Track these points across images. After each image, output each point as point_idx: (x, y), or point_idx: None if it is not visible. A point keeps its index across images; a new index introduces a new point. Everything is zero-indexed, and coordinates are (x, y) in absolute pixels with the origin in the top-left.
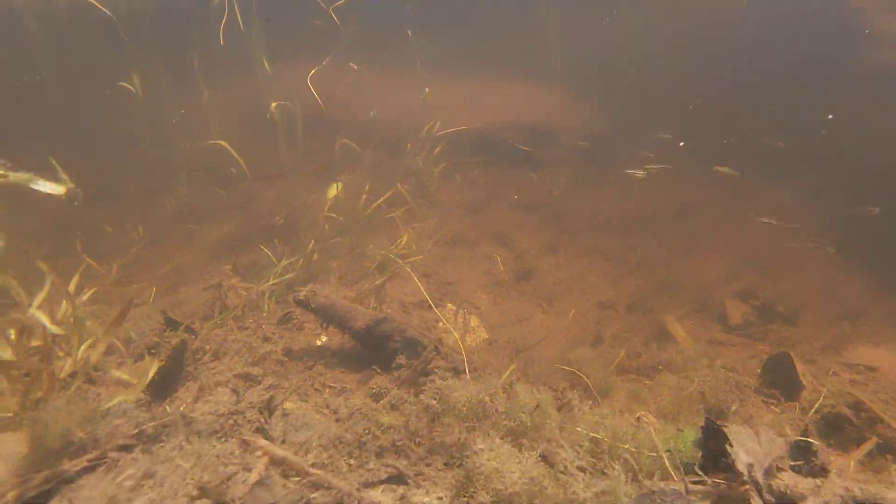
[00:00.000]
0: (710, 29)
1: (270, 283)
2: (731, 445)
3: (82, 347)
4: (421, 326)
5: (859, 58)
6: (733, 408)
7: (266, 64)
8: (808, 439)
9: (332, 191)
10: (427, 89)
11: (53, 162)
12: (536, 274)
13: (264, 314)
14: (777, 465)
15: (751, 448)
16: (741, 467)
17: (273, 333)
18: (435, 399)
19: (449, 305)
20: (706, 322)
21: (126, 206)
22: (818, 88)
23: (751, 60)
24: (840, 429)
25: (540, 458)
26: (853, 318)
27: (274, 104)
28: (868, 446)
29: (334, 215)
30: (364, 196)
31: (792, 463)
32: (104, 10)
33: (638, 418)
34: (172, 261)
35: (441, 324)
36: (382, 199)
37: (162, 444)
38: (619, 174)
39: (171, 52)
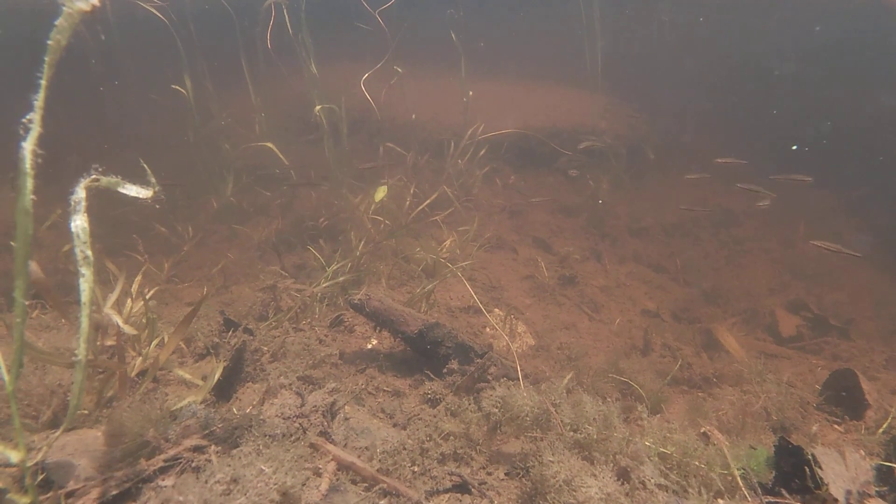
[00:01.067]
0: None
1: (323, 285)
2: (820, 468)
3: (151, 346)
4: (469, 333)
5: None
6: (811, 428)
7: (313, 67)
8: (891, 464)
9: (380, 193)
10: (470, 92)
11: (144, 165)
12: (580, 280)
13: (316, 316)
14: (865, 491)
15: (839, 471)
16: (837, 492)
17: (326, 336)
18: (497, 407)
19: (496, 311)
20: (756, 332)
21: (174, 206)
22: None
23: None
24: None
25: (615, 473)
26: None
27: (318, 107)
28: None
29: (379, 218)
30: (409, 199)
31: (876, 488)
32: (155, 12)
33: (704, 433)
34: (220, 261)
35: (489, 329)
36: (427, 201)
37: (240, 448)
38: (658, 178)
39: (221, 55)
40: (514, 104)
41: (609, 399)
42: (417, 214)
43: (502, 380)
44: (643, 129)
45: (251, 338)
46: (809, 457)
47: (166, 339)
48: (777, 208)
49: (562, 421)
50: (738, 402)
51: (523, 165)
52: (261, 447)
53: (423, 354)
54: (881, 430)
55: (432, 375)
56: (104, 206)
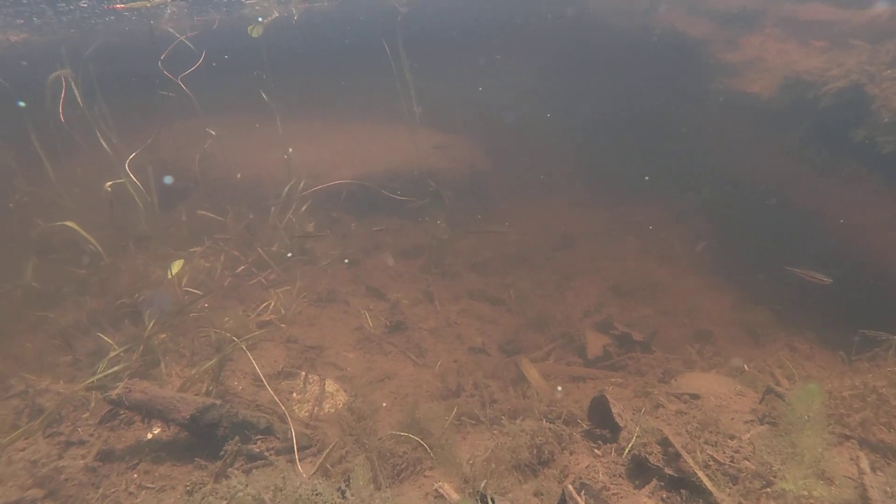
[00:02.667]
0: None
1: (93, 379)
2: None
3: None
4: (272, 402)
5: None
6: (564, 458)
7: (102, 141)
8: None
9: (176, 267)
10: (290, 149)
11: None
12: (409, 324)
13: (86, 414)
14: None
15: None
16: None
17: (91, 435)
18: (226, 499)
19: (302, 373)
20: (569, 356)
21: None
22: (678, 117)
23: (618, 91)
24: (645, 468)
25: None
26: (703, 340)
27: (108, 183)
28: (649, 488)
29: (191, 289)
30: (220, 265)
31: None
32: None
33: (436, 490)
34: (10, 355)
35: (295, 395)
36: (244, 266)
37: None
38: (500, 211)
39: (10, 132)
40: (351, 150)
41: (383, 462)
42: (242, 278)
43: (281, 455)
44: (483, 165)
45: None
46: None
47: None
48: (612, 226)
49: None
50: (490, 446)
51: (363, 213)
52: None
53: (201, 439)
54: (627, 450)
55: (204, 462)
56: None
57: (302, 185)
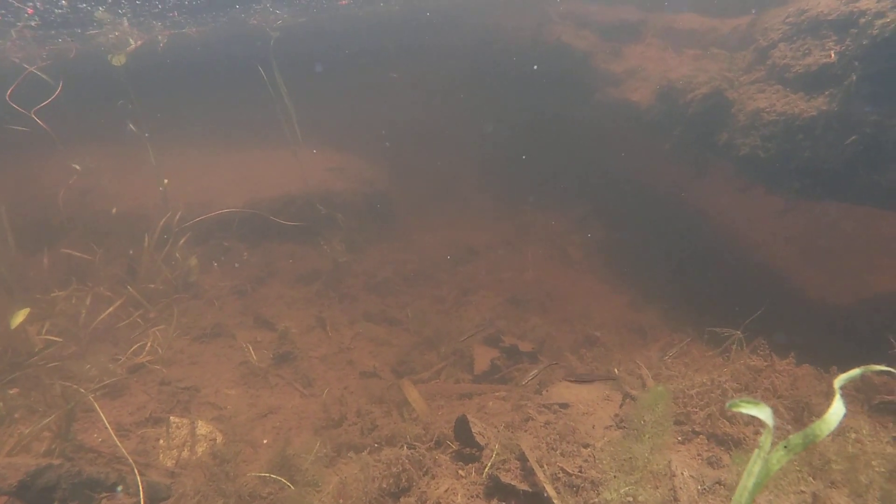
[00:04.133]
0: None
1: None
2: None
3: None
4: (137, 451)
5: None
6: (423, 483)
7: None
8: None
9: (19, 318)
10: (166, 180)
11: None
12: (298, 354)
13: None
14: None
15: None
16: None
17: None
18: None
19: (172, 418)
20: (459, 373)
21: None
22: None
23: (512, 105)
24: (500, 486)
25: None
26: (589, 344)
27: None
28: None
29: (53, 337)
30: (85, 308)
31: None
32: None
33: None
34: None
35: (162, 441)
36: (113, 307)
37: None
38: (402, 229)
39: None
40: (242, 177)
41: None
42: (115, 319)
43: None
44: (380, 183)
45: None
46: None
47: None
48: (514, 237)
49: None
50: (347, 476)
51: (256, 241)
52: None
53: None
54: (486, 469)
55: None
56: None
57: (179, 216)
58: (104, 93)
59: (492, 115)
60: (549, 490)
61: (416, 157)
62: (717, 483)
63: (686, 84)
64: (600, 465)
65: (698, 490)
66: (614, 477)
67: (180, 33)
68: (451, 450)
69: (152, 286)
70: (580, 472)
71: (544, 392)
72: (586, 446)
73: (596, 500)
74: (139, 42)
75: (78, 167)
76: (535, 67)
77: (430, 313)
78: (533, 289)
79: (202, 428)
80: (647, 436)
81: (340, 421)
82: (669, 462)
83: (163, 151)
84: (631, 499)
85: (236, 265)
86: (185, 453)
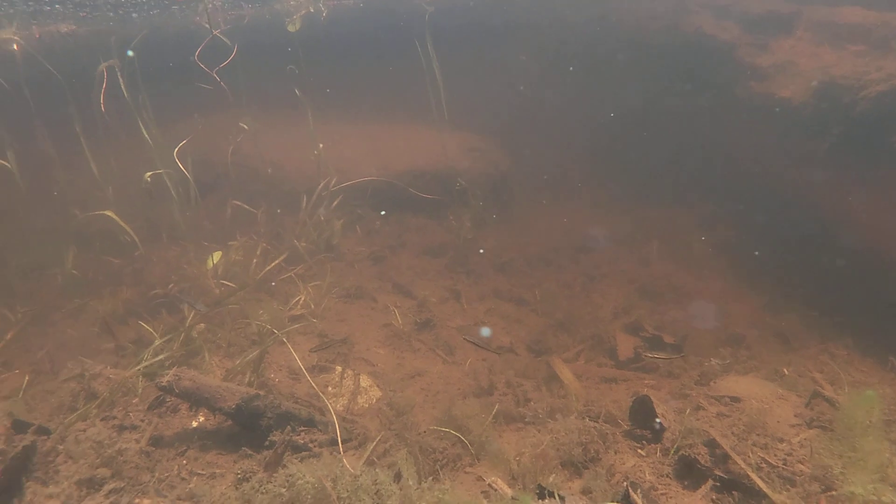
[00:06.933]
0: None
1: (140, 366)
2: None
3: None
4: (309, 395)
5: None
6: (609, 457)
7: (144, 130)
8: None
9: (211, 261)
10: (321, 145)
11: None
12: (437, 322)
13: (135, 400)
14: None
15: None
16: None
17: (142, 421)
18: (284, 487)
19: (338, 368)
20: (599, 358)
21: (9, 285)
22: (706, 120)
23: (640, 93)
24: (694, 469)
25: None
26: (735, 343)
27: (149, 174)
28: (705, 488)
29: (226, 282)
30: (255, 259)
31: None
32: None
33: (490, 485)
34: (52, 341)
35: (331, 388)
36: (277, 260)
37: None
38: (523, 211)
39: (56, 123)
40: (375, 148)
41: (391, 465)
42: (272, 272)
43: (325, 447)
44: (506, 165)
45: (45, 438)
46: None
47: None
48: (635, 230)
49: (338, 496)
50: (534, 443)
51: (389, 210)
52: None
53: (245, 428)
54: (672, 451)
55: (250, 451)
56: None
57: (334, 181)
58: (271, 58)
59: (622, 104)
60: (754, 478)
61: (541, 143)
62: None
63: (854, 81)
64: (815, 461)
65: None
66: (841, 473)
67: (341, 3)
68: (621, 429)
69: (303, 244)
70: (785, 464)
71: (711, 384)
72: (781, 441)
73: (831, 493)
74: (310, 9)
75: (246, 126)
76: (671, 57)
77: (559, 297)
78: (661, 281)
79: (364, 381)
80: (868, 438)
81: (490, 389)
82: None
83: (317, 117)
84: (875, 497)
85: (369, 233)
86: (351, 402)
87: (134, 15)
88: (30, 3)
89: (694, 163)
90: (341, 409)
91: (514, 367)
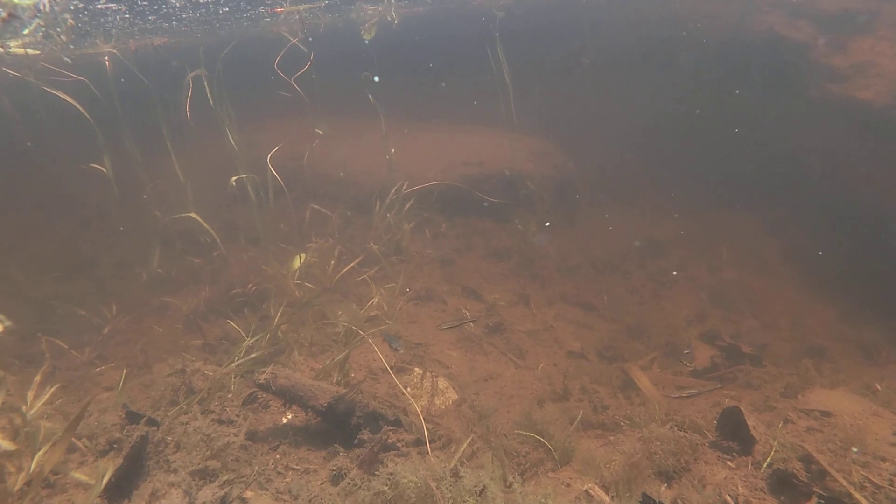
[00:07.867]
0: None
1: (234, 364)
2: None
3: (37, 456)
4: (389, 395)
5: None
6: (700, 467)
7: (230, 136)
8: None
9: (296, 262)
10: (392, 150)
11: None
12: (507, 326)
13: (230, 395)
14: None
15: None
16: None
17: (238, 416)
18: (387, 485)
19: (416, 370)
20: (675, 366)
21: (100, 282)
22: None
23: (705, 95)
24: (790, 484)
25: None
26: (817, 355)
27: (234, 178)
28: None
29: (305, 283)
30: (333, 261)
31: None
32: (71, 101)
33: (587, 492)
34: (145, 337)
35: (410, 389)
36: (353, 263)
37: None
38: (586, 215)
39: (146, 129)
40: (441, 152)
41: (496, 464)
42: (346, 274)
43: (412, 447)
44: (570, 169)
45: (155, 429)
46: None
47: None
48: (701, 234)
49: (443, 496)
50: (627, 451)
51: (454, 213)
52: None
53: (335, 426)
54: (765, 465)
55: (340, 449)
56: (29, 285)
57: (405, 185)
58: (344, 65)
59: (690, 105)
60: (860, 498)
61: (605, 145)
62: None
63: None
64: None
65: None
66: None
67: (411, 11)
68: (707, 439)
69: (375, 247)
70: (891, 485)
71: (798, 396)
72: (884, 460)
73: None
74: (387, 17)
75: (321, 132)
76: (742, 57)
77: (628, 302)
78: (732, 288)
79: (441, 382)
80: None
81: (565, 395)
82: None
83: (387, 122)
84: None
85: (435, 236)
86: (430, 403)
87: (217, 26)
88: (126, 17)
89: (762, 166)
90: (421, 410)
91: (587, 374)
